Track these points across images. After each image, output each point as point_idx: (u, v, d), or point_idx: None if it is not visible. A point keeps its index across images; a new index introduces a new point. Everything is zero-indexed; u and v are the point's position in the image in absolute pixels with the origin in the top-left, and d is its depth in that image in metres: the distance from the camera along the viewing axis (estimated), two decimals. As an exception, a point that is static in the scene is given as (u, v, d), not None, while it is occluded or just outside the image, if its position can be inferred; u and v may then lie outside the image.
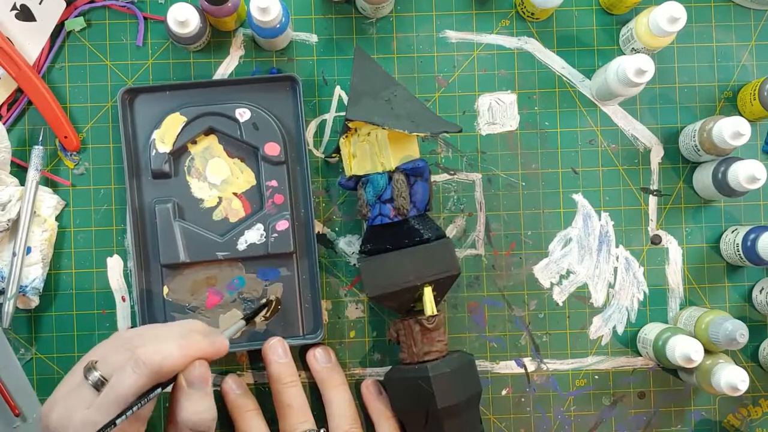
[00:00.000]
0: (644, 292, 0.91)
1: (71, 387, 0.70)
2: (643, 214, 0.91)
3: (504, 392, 0.91)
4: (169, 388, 0.71)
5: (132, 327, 0.88)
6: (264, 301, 0.86)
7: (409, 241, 0.81)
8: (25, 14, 0.87)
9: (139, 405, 0.66)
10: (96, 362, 0.70)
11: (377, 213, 0.82)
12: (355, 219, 0.90)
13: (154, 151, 0.86)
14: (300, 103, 0.87)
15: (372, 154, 0.82)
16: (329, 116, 0.90)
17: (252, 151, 0.87)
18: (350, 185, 0.84)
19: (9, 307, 0.85)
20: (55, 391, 0.71)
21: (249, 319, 0.82)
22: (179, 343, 0.70)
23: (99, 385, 0.68)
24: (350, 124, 0.82)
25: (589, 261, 0.91)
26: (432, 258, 0.81)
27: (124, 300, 0.88)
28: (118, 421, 0.65)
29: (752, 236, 0.85)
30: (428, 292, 0.81)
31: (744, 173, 0.81)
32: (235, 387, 0.86)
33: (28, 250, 0.86)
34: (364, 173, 0.82)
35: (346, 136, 0.83)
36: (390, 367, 0.86)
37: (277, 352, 0.84)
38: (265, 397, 0.88)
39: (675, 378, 0.91)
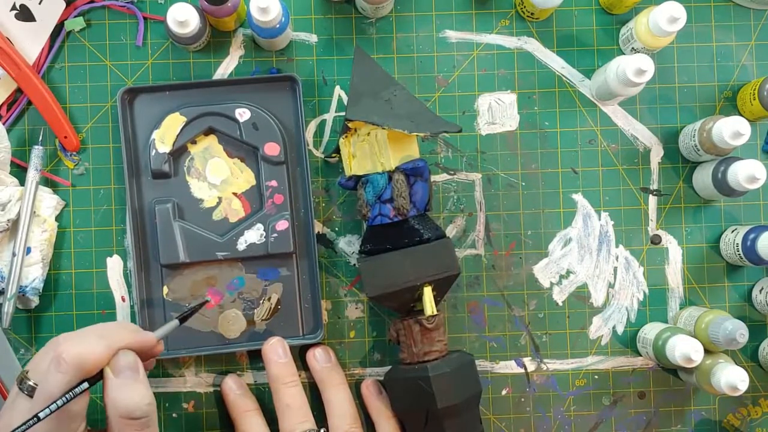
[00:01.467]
0: (644, 292, 0.91)
1: (9, 401, 0.71)
2: (642, 214, 0.91)
3: (504, 392, 0.91)
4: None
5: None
6: (199, 301, 0.84)
7: (408, 241, 0.81)
8: (24, 14, 0.87)
9: (65, 399, 0.66)
10: (27, 372, 0.70)
11: (377, 213, 0.82)
12: (354, 219, 0.90)
13: (154, 151, 0.86)
14: (300, 103, 0.87)
15: (372, 154, 0.82)
16: (329, 116, 0.90)
17: (252, 151, 0.87)
18: (350, 185, 0.84)
19: (9, 308, 0.85)
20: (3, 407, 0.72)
21: (184, 319, 0.80)
22: (102, 334, 0.70)
23: (32, 392, 0.69)
24: (350, 124, 0.82)
25: (588, 261, 0.91)
26: (432, 258, 0.81)
27: (123, 300, 0.88)
28: (41, 415, 0.65)
29: (752, 236, 0.85)
30: (428, 292, 0.81)
31: (744, 173, 0.81)
32: (235, 387, 0.86)
33: (28, 250, 0.86)
34: (363, 173, 0.82)
35: (346, 136, 0.83)
36: (390, 367, 0.86)
37: (277, 352, 0.84)
38: (265, 397, 0.88)
39: (675, 378, 0.91)
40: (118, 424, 0.69)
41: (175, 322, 0.79)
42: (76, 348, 0.67)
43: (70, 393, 0.67)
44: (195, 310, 0.82)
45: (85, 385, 0.68)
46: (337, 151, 0.85)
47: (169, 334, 0.78)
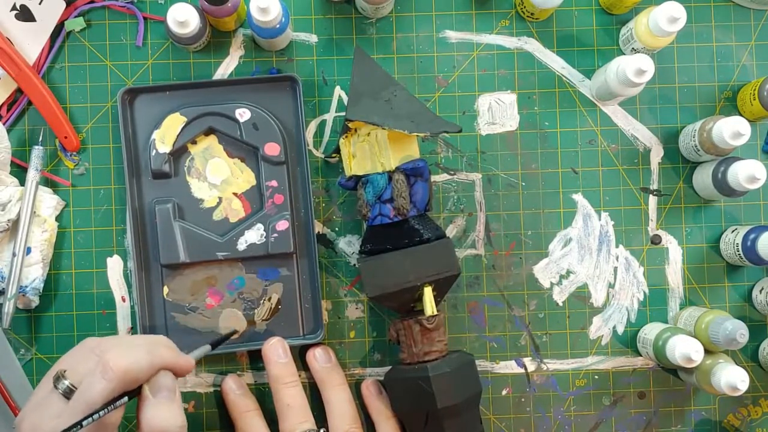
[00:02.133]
0: (644, 292, 0.91)
1: (41, 397, 0.69)
2: (643, 214, 0.91)
3: (504, 392, 0.91)
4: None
5: (132, 329, 0.88)
6: (230, 330, 0.85)
7: (409, 241, 0.81)
8: (24, 14, 0.87)
9: (107, 410, 0.66)
10: (65, 371, 0.69)
11: (377, 213, 0.82)
12: (355, 219, 0.90)
13: (154, 151, 0.86)
14: (300, 104, 0.87)
15: (372, 154, 0.82)
16: (329, 116, 0.90)
17: (252, 151, 0.87)
18: (350, 185, 0.84)
19: (9, 308, 0.85)
20: (27, 402, 0.71)
21: (215, 345, 0.80)
22: (147, 350, 0.70)
23: (68, 394, 0.68)
24: (350, 125, 0.82)
25: (589, 261, 0.91)
26: (432, 258, 0.81)
27: (124, 300, 0.88)
28: (84, 423, 0.65)
29: (752, 236, 0.85)
30: (428, 292, 0.81)
31: (744, 173, 0.81)
32: (235, 387, 0.86)
33: (28, 250, 0.86)
34: (364, 173, 0.82)
35: (346, 136, 0.83)
36: (390, 367, 0.86)
37: (277, 352, 0.84)
38: (265, 397, 0.88)
39: (675, 378, 0.91)
40: None
41: (208, 347, 0.79)
42: (125, 359, 0.67)
43: (112, 405, 0.66)
44: (227, 337, 0.83)
45: (126, 398, 0.67)
46: (337, 151, 0.85)
47: (201, 357, 0.78)
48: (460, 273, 0.83)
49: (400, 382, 0.82)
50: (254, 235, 0.86)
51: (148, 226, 0.87)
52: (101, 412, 0.65)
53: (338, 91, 0.90)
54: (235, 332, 0.86)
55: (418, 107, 0.82)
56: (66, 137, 0.87)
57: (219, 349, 0.86)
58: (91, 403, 0.66)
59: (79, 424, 0.65)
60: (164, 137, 0.86)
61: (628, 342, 0.91)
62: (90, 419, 0.65)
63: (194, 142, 0.87)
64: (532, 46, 0.91)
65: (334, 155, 0.86)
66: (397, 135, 0.80)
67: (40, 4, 0.86)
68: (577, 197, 0.91)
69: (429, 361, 0.81)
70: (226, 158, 0.88)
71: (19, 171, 0.88)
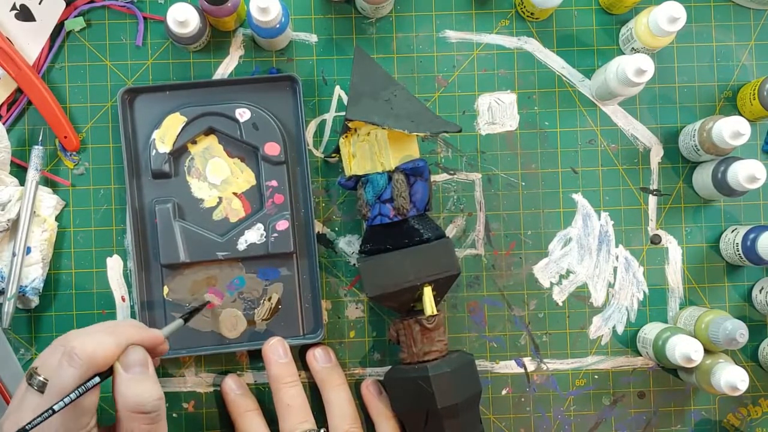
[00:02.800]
0: (644, 292, 0.91)
1: (19, 397, 0.71)
2: (642, 214, 0.91)
3: (504, 392, 0.91)
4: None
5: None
6: (200, 303, 0.86)
7: (408, 241, 0.81)
8: (24, 14, 0.87)
9: (77, 394, 0.67)
10: (36, 368, 0.70)
11: (377, 213, 0.82)
12: (355, 219, 0.90)
13: (154, 151, 0.86)
14: (300, 103, 0.87)
15: (372, 153, 0.82)
16: (329, 116, 0.90)
17: (252, 151, 0.87)
18: (350, 185, 0.84)
19: (9, 307, 0.85)
20: (8, 406, 0.72)
21: (187, 319, 0.82)
22: (110, 331, 0.71)
23: (42, 387, 0.69)
24: (350, 124, 0.82)
25: (588, 261, 0.91)
26: (432, 258, 0.81)
27: (123, 300, 0.88)
28: (56, 407, 0.66)
29: (752, 236, 0.85)
30: (428, 292, 0.81)
31: (744, 173, 0.81)
32: (235, 387, 0.86)
33: (28, 250, 0.86)
34: (363, 173, 0.82)
35: (346, 136, 0.83)
36: (390, 367, 0.86)
37: (278, 352, 0.84)
38: (265, 397, 0.88)
39: (675, 378, 0.91)
40: (128, 418, 0.70)
41: (180, 321, 0.80)
42: (87, 343, 0.68)
43: (83, 386, 0.67)
44: (198, 309, 0.84)
45: (97, 379, 0.68)
46: (337, 150, 0.85)
47: (174, 333, 0.79)
48: (459, 273, 0.83)
49: (400, 381, 0.82)
50: (254, 235, 0.86)
51: (148, 226, 0.87)
52: (72, 395, 0.67)
53: (338, 90, 0.90)
54: (207, 303, 0.86)
55: (418, 107, 0.82)
56: (66, 137, 0.87)
57: (219, 349, 0.86)
58: (62, 390, 0.67)
59: (50, 409, 0.66)
60: (164, 137, 0.86)
61: (627, 342, 0.91)
62: (62, 403, 0.66)
63: (194, 142, 0.87)
64: (532, 45, 0.91)
65: (333, 155, 0.86)
66: (397, 135, 0.80)
67: (39, 3, 0.86)
68: (577, 197, 0.91)
69: (429, 360, 0.81)
70: (226, 158, 0.88)
71: (18, 171, 0.88)
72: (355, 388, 0.88)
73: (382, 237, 0.82)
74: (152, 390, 0.71)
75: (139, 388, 0.70)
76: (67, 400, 0.66)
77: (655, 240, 0.91)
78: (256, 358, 0.88)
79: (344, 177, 0.85)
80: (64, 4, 0.87)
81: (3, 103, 0.87)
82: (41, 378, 0.69)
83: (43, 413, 0.66)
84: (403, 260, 0.80)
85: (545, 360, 0.91)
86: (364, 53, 0.83)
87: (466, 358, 0.82)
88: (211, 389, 0.89)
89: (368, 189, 0.82)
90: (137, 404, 0.69)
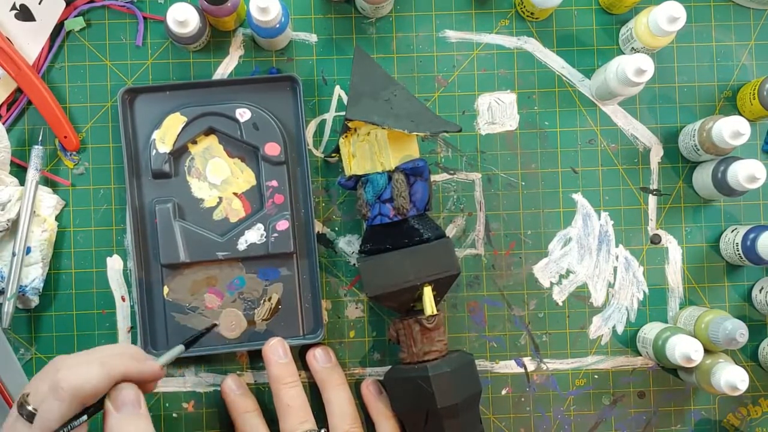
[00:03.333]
0: (644, 292, 0.91)
1: (10, 423, 0.68)
2: (642, 214, 0.91)
3: (504, 392, 0.91)
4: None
5: (132, 329, 0.88)
6: (207, 327, 0.85)
7: (408, 241, 0.81)
8: (24, 14, 0.87)
9: (68, 430, 0.65)
10: (28, 395, 0.68)
11: (377, 213, 0.82)
12: (355, 219, 0.90)
13: (155, 151, 0.86)
14: (300, 103, 0.87)
15: (371, 153, 0.82)
16: (329, 116, 0.90)
17: (252, 151, 0.87)
18: (350, 185, 0.84)
19: (9, 307, 0.85)
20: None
21: (189, 344, 0.80)
22: (101, 362, 0.68)
23: (31, 418, 0.67)
24: (350, 124, 0.82)
25: (588, 261, 0.91)
26: (432, 258, 0.81)
27: (123, 300, 0.88)
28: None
29: (752, 236, 0.85)
30: (428, 292, 0.81)
31: (744, 173, 0.81)
32: (235, 387, 0.86)
33: (28, 250, 0.86)
34: (363, 173, 0.82)
35: (346, 136, 0.83)
36: (390, 366, 0.86)
37: (278, 352, 0.84)
38: (265, 397, 0.88)
39: (675, 378, 0.91)
40: None
41: (181, 347, 0.79)
42: (74, 377, 0.66)
43: (69, 425, 0.66)
44: (202, 334, 0.83)
45: (84, 417, 0.67)
46: (337, 150, 0.85)
47: (173, 359, 0.77)
48: (459, 273, 0.83)
49: (400, 381, 0.82)
50: (254, 235, 0.86)
51: (148, 225, 0.87)
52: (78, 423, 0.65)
53: (338, 90, 0.90)
54: (213, 326, 0.86)
55: (418, 107, 0.82)
56: (66, 137, 0.87)
57: (219, 349, 0.86)
58: (47, 426, 0.65)
59: None
60: (164, 137, 0.86)
61: (627, 342, 0.91)
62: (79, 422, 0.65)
63: (194, 142, 0.87)
64: (532, 45, 0.91)
65: (333, 155, 0.86)
66: (397, 135, 0.80)
67: (39, 3, 0.86)
68: (577, 197, 0.91)
69: (429, 360, 0.81)
70: (226, 158, 0.88)
71: (18, 171, 0.88)
72: (355, 388, 0.88)
73: (381, 237, 0.82)
74: (143, 430, 0.68)
75: (131, 428, 0.68)
76: None
77: (655, 240, 0.91)
78: (256, 358, 0.88)
79: (344, 177, 0.84)
80: (63, 4, 0.87)
81: (3, 103, 0.87)
82: (30, 408, 0.67)
83: None
84: (402, 260, 0.80)
85: (545, 360, 0.91)
86: (364, 53, 0.83)
87: (466, 358, 0.82)
88: (211, 389, 0.89)
89: (368, 189, 0.82)
90: None
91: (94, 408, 0.68)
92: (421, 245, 0.81)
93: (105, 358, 0.69)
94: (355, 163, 0.83)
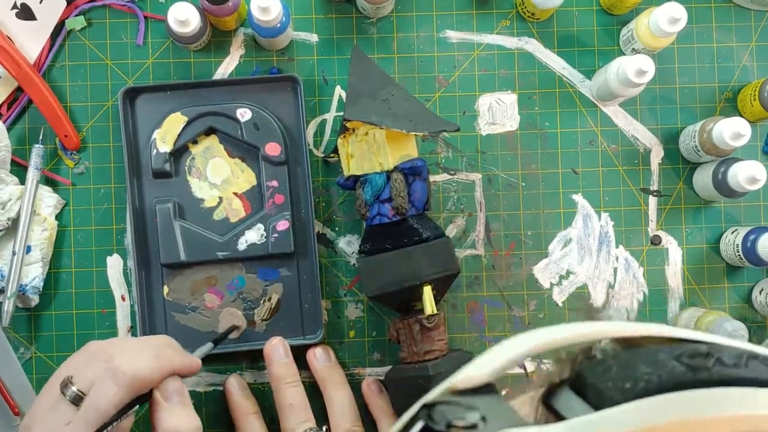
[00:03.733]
0: (644, 293, 0.91)
1: (49, 404, 0.68)
2: (643, 215, 0.91)
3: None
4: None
5: (131, 329, 0.88)
6: (230, 326, 0.86)
7: (408, 241, 0.81)
8: (25, 13, 0.87)
9: (121, 418, 0.66)
10: (71, 377, 0.68)
11: (376, 213, 0.81)
12: (355, 219, 0.89)
13: (155, 150, 0.86)
14: (301, 103, 0.87)
15: (370, 153, 0.81)
16: (329, 116, 0.90)
17: (253, 151, 0.87)
18: (349, 185, 0.84)
19: (9, 306, 0.85)
20: (32, 408, 0.70)
21: (217, 342, 0.83)
22: (156, 354, 0.70)
23: (77, 401, 0.67)
24: (348, 125, 0.82)
25: (588, 261, 0.91)
26: (431, 257, 0.81)
27: (123, 299, 0.88)
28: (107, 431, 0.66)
29: (752, 237, 0.85)
30: (428, 291, 0.81)
31: (744, 174, 0.81)
32: (238, 388, 0.86)
33: (28, 249, 0.86)
34: (362, 173, 0.82)
35: (344, 136, 0.83)
36: (390, 366, 0.86)
37: (279, 352, 0.84)
38: (265, 396, 0.88)
39: (674, 378, 0.90)
40: None
41: (210, 345, 0.81)
42: (134, 365, 0.67)
43: (126, 412, 0.67)
44: (228, 333, 0.85)
45: (136, 407, 0.68)
46: (336, 151, 0.85)
47: (204, 356, 0.80)
48: (459, 272, 0.83)
49: (400, 381, 0.82)
50: (254, 235, 0.86)
51: (148, 225, 0.87)
52: (116, 422, 0.66)
53: (338, 90, 0.90)
54: (235, 328, 0.87)
55: (417, 107, 0.82)
56: (66, 136, 0.87)
57: (220, 349, 0.86)
58: (102, 411, 0.65)
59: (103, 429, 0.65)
60: (165, 137, 0.86)
61: (627, 342, 0.91)
62: (112, 426, 0.66)
63: (195, 142, 0.87)
64: (533, 46, 0.91)
65: (333, 155, 0.86)
66: (395, 134, 0.80)
67: (40, 2, 0.86)
68: (577, 198, 0.91)
69: (429, 360, 0.81)
70: (226, 158, 0.88)
71: (19, 170, 0.87)
72: (356, 387, 0.88)
73: (381, 237, 0.82)
74: (191, 419, 0.71)
75: (179, 418, 0.70)
76: (110, 427, 0.66)
77: (655, 241, 0.91)
78: (256, 358, 0.88)
79: (343, 177, 0.84)
80: (64, 3, 0.87)
81: (3, 102, 0.87)
82: (76, 390, 0.67)
83: None
84: (402, 260, 0.80)
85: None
86: (362, 53, 0.83)
87: (466, 357, 0.82)
88: (211, 389, 0.89)
89: (366, 189, 0.81)
90: (177, 430, 0.69)
91: (144, 399, 0.70)
92: (420, 245, 0.81)
93: (158, 349, 0.71)
94: (353, 163, 0.83)
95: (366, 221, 0.83)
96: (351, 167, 0.83)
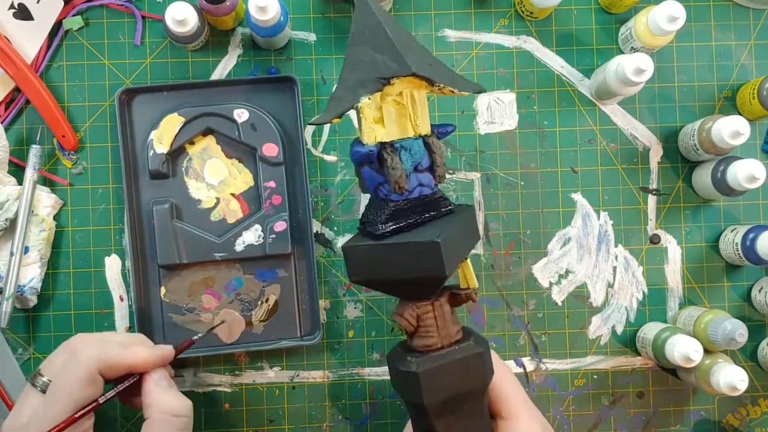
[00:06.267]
0: (643, 292, 0.91)
1: (22, 399, 0.72)
2: (642, 214, 0.91)
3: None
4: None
5: (129, 329, 0.88)
6: (217, 323, 0.86)
7: (436, 213, 0.71)
8: (23, 13, 0.86)
9: (99, 400, 0.71)
10: (40, 369, 0.72)
11: (416, 184, 0.70)
12: (353, 218, 0.89)
13: (152, 151, 0.86)
14: (298, 104, 0.87)
15: (399, 117, 0.69)
16: (328, 115, 0.90)
17: (250, 152, 0.87)
18: (371, 155, 0.68)
19: (7, 307, 0.85)
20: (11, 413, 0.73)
21: (200, 339, 0.82)
22: (120, 342, 0.74)
23: (45, 388, 0.71)
24: (397, 81, 0.68)
25: (588, 260, 0.91)
26: (467, 228, 0.72)
27: (122, 300, 0.88)
28: (101, 400, 0.71)
29: (751, 235, 0.85)
30: (468, 264, 0.72)
31: (743, 172, 0.81)
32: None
33: (26, 249, 0.86)
34: (391, 140, 0.69)
35: (371, 98, 0.68)
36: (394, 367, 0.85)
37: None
38: (265, 397, 0.88)
39: (674, 378, 0.91)
40: (163, 421, 0.72)
41: (191, 341, 0.81)
42: (96, 348, 0.71)
43: (126, 381, 0.73)
44: (213, 328, 0.85)
45: (136, 377, 0.74)
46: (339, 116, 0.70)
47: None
48: (479, 238, 0.76)
49: (444, 368, 0.69)
50: (252, 236, 0.86)
51: (145, 226, 0.87)
52: (115, 391, 0.73)
53: (337, 90, 0.90)
54: (223, 321, 0.87)
55: (443, 66, 0.72)
56: (64, 136, 0.87)
57: (217, 350, 0.86)
58: (68, 387, 0.69)
59: (96, 402, 0.70)
60: (162, 137, 0.85)
61: (627, 342, 0.91)
62: (108, 396, 0.71)
63: (192, 143, 0.87)
64: (532, 45, 0.91)
65: (336, 119, 0.69)
66: (422, 96, 0.70)
67: (38, 2, 0.86)
68: (576, 196, 0.91)
69: (461, 341, 0.71)
70: (224, 159, 0.88)
71: (17, 170, 0.87)
72: (354, 387, 0.88)
73: (406, 212, 0.70)
74: (184, 400, 0.74)
75: (171, 397, 0.73)
76: (110, 394, 0.72)
77: (655, 240, 0.91)
78: (255, 358, 0.88)
79: (360, 145, 0.69)
80: (62, 3, 0.87)
81: (1, 102, 0.87)
82: (45, 379, 0.71)
83: (89, 405, 0.70)
84: (458, 233, 0.69)
85: (544, 360, 0.91)
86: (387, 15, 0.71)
87: (475, 333, 0.73)
88: (210, 389, 0.89)
89: (405, 157, 0.69)
90: (172, 410, 0.72)
91: (130, 382, 0.74)
92: (449, 215, 0.71)
93: (125, 340, 0.76)
94: (380, 129, 0.69)
95: (397, 195, 0.69)
96: (378, 134, 0.69)
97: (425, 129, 0.70)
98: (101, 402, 0.71)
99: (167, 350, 0.77)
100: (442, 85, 0.68)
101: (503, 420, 0.72)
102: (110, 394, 0.72)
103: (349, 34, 0.79)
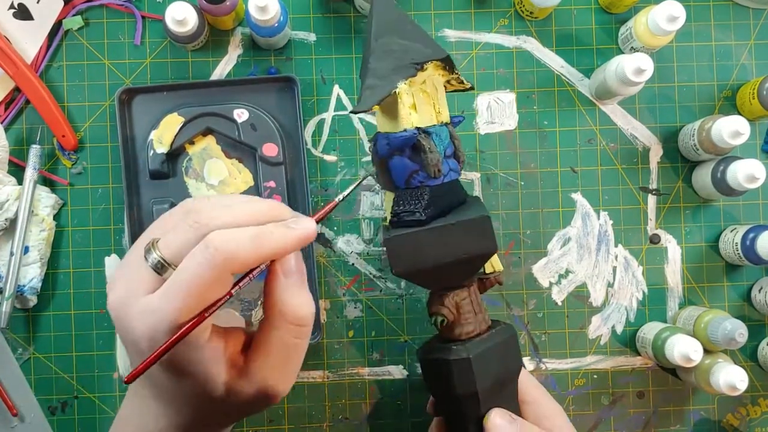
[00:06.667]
0: (643, 292, 0.91)
1: (131, 266, 0.60)
2: (642, 214, 0.91)
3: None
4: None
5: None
6: (362, 178, 0.76)
7: (460, 198, 0.72)
8: (22, 13, 0.86)
9: (227, 298, 0.59)
10: (157, 241, 0.59)
11: (447, 169, 0.70)
12: (354, 218, 0.89)
13: (152, 151, 0.86)
14: (298, 104, 0.87)
15: (425, 103, 0.70)
16: (327, 115, 0.90)
17: (250, 152, 0.87)
18: (411, 140, 0.68)
19: (7, 307, 0.85)
20: (117, 267, 0.62)
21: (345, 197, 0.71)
22: (256, 233, 0.59)
23: (159, 269, 0.58)
24: (429, 67, 0.69)
25: (588, 260, 0.91)
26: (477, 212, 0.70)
27: (122, 299, 0.88)
28: (233, 291, 0.59)
29: (751, 235, 0.85)
30: None
31: (743, 172, 0.81)
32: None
33: (26, 249, 0.86)
34: (424, 126, 0.69)
35: (409, 83, 0.69)
36: (392, 366, 0.86)
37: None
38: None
39: (674, 377, 0.91)
40: (283, 329, 0.62)
41: (335, 201, 0.70)
42: (229, 244, 0.57)
43: (247, 278, 0.60)
44: (357, 185, 0.73)
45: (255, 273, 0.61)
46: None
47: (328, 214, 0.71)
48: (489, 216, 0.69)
49: (491, 350, 0.70)
50: (252, 235, 0.86)
51: (145, 226, 0.87)
52: (247, 280, 0.60)
53: (337, 89, 0.90)
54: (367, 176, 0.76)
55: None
56: (64, 136, 0.87)
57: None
58: (188, 286, 0.57)
59: (202, 314, 0.58)
60: (162, 137, 0.85)
61: (627, 341, 0.91)
62: (225, 300, 0.58)
63: (192, 143, 0.87)
64: (531, 45, 0.91)
65: (375, 106, 0.68)
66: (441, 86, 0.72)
67: (38, 2, 0.86)
68: (576, 196, 0.91)
69: (492, 325, 0.72)
70: (224, 159, 0.88)
71: (17, 170, 0.87)
72: (352, 388, 0.88)
73: (440, 199, 0.69)
74: (311, 303, 0.63)
75: (300, 298, 0.62)
76: (215, 308, 0.58)
77: (655, 239, 0.91)
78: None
79: (386, 137, 0.69)
80: (62, 3, 0.87)
81: (1, 102, 0.87)
82: (158, 256, 0.58)
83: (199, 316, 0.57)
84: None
85: (544, 360, 0.90)
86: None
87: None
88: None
89: (437, 143, 0.69)
90: (296, 315, 0.61)
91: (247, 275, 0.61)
92: (468, 200, 0.72)
93: (259, 229, 0.60)
94: (416, 115, 0.69)
95: (438, 180, 0.69)
96: (413, 120, 0.68)
97: (446, 116, 0.71)
98: (232, 294, 0.59)
99: (308, 228, 0.62)
100: (458, 74, 0.71)
101: (527, 404, 0.72)
102: (243, 282, 0.60)
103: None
